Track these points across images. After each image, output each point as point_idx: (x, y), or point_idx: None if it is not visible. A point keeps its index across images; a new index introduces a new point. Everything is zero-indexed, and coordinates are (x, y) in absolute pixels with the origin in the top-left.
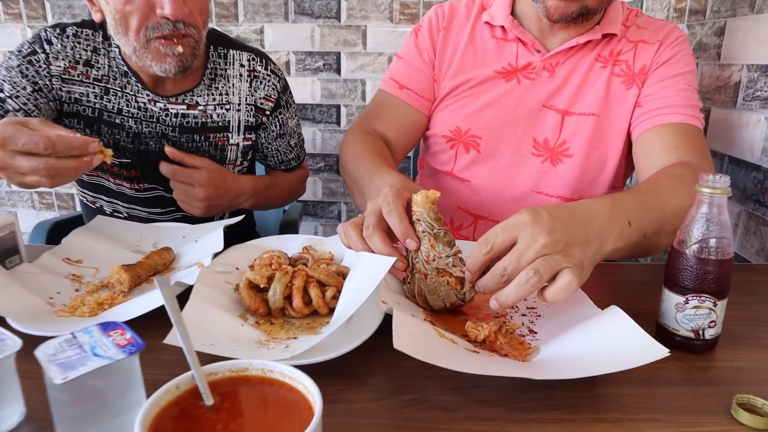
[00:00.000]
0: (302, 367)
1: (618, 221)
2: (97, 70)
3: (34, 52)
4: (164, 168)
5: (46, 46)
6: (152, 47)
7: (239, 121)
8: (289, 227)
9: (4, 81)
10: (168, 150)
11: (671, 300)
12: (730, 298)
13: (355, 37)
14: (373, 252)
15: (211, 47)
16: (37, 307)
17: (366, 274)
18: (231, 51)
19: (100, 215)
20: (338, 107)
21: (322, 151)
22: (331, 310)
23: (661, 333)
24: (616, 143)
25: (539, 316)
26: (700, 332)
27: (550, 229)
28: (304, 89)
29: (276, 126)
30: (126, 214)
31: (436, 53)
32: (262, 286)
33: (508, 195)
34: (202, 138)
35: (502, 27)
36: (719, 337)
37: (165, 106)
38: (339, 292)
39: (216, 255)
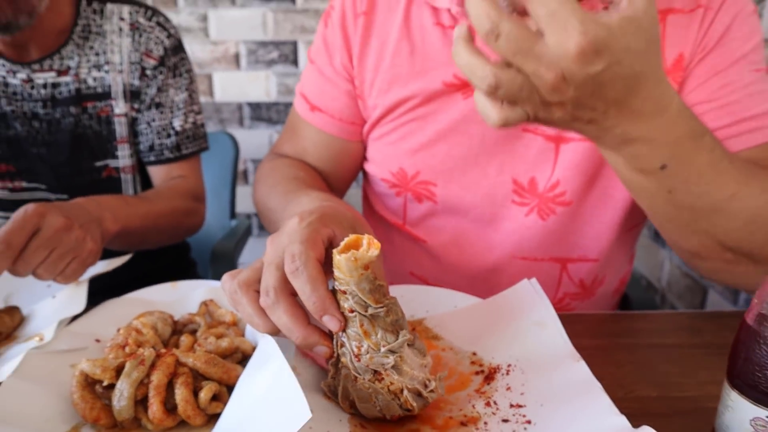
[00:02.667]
0: None
1: (671, 109)
2: None
3: None
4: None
5: None
6: None
7: (122, 84)
8: (225, 254)
9: None
10: None
11: (743, 411)
12: None
13: (314, 23)
14: (274, 330)
15: (84, 2)
16: None
17: (274, 407)
18: (108, 4)
19: None
20: None
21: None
22: (212, 417)
23: None
24: None
25: (528, 423)
26: None
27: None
28: (257, 85)
29: (153, 89)
30: None
31: (352, 56)
32: (106, 382)
33: (479, 262)
34: (79, 109)
35: (449, 11)
36: None
37: (28, 76)
38: (228, 386)
39: (74, 318)
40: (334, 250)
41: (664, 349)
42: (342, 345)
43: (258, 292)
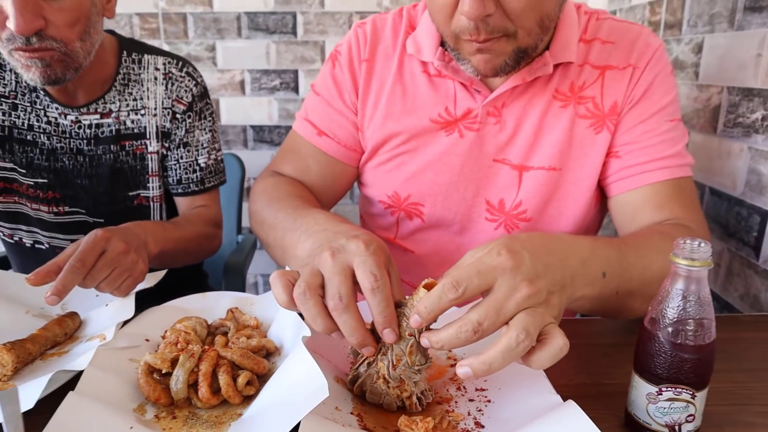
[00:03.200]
0: None
1: (592, 268)
2: (3, 87)
3: None
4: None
5: None
6: (15, 57)
7: (156, 126)
8: (236, 267)
9: None
10: (32, 280)
11: (642, 389)
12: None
13: (313, 54)
14: (336, 328)
15: (125, 53)
16: None
17: (299, 387)
18: (146, 56)
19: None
20: None
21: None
22: (247, 398)
23: (631, 424)
24: (583, 201)
25: (489, 401)
26: (676, 428)
27: (533, 277)
28: (261, 110)
29: (182, 131)
30: (47, 245)
31: (358, 94)
32: (164, 371)
33: None
34: (118, 147)
35: (432, 63)
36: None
37: (77, 118)
38: (258, 375)
39: (126, 322)
40: (421, 286)
41: (603, 347)
42: (383, 353)
43: (321, 296)
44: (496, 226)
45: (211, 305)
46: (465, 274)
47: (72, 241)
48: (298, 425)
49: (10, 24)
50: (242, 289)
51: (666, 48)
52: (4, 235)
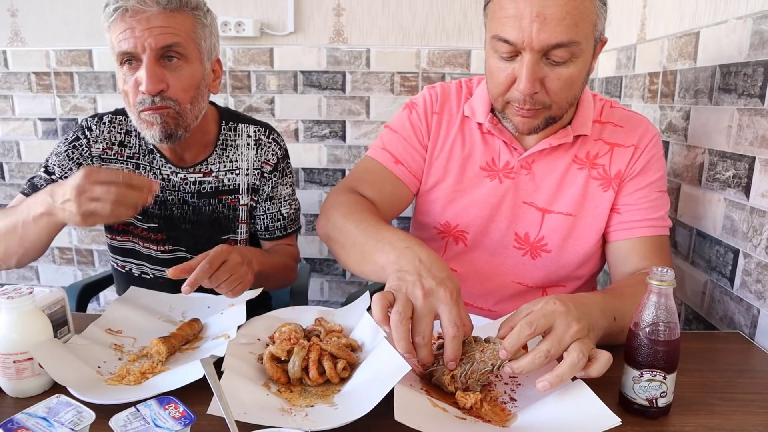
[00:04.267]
0: None
1: (607, 315)
2: (129, 149)
3: (78, 138)
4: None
5: (87, 133)
6: (142, 118)
7: (247, 183)
8: (300, 291)
9: (54, 165)
10: (173, 273)
11: (629, 373)
12: (687, 366)
13: (359, 107)
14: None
15: (223, 122)
16: (89, 376)
17: (383, 369)
18: (240, 125)
19: (134, 286)
20: (343, 171)
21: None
22: (342, 380)
23: (623, 401)
24: (593, 240)
25: (519, 384)
26: (654, 401)
27: (579, 318)
28: (312, 155)
29: (268, 188)
30: (152, 275)
31: (429, 137)
32: (282, 358)
33: (490, 284)
34: (216, 200)
35: (483, 124)
36: (672, 405)
37: (185, 175)
38: (349, 364)
39: (239, 327)
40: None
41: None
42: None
43: (409, 325)
44: (522, 253)
45: (299, 315)
46: (534, 318)
47: None
48: (384, 397)
49: (142, 87)
50: (306, 302)
51: (662, 113)
52: (117, 265)
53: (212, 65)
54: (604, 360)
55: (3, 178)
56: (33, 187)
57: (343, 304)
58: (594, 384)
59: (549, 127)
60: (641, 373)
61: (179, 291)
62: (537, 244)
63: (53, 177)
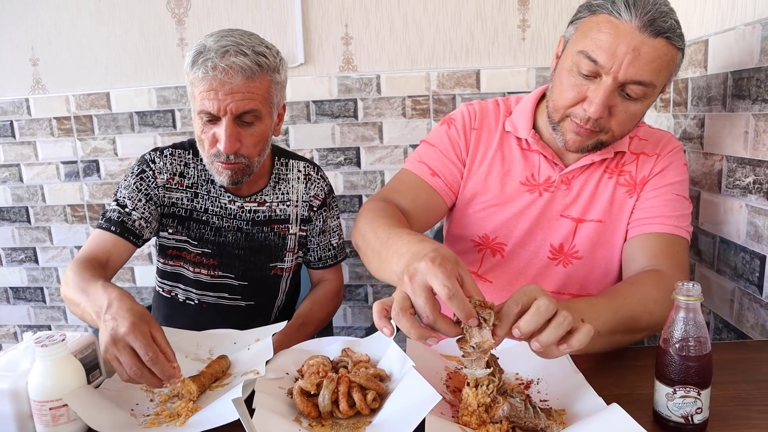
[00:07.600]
0: None
1: (596, 309)
2: (188, 179)
3: (143, 171)
4: None
5: (152, 165)
6: (215, 164)
7: (297, 214)
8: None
9: (125, 198)
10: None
11: (662, 390)
12: (721, 379)
13: (372, 133)
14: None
15: (276, 157)
16: (123, 420)
17: (412, 399)
18: (291, 160)
19: (174, 313)
20: (360, 197)
21: (346, 237)
22: (372, 411)
23: (657, 419)
24: (618, 245)
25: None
26: (690, 418)
27: (564, 308)
28: None
29: (320, 222)
30: (197, 301)
31: (468, 152)
32: (312, 392)
33: None
34: (268, 228)
35: (526, 140)
36: (708, 421)
37: (241, 204)
38: (378, 395)
39: (267, 361)
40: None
41: (631, 368)
42: (491, 374)
43: (412, 314)
44: (556, 263)
45: (325, 347)
46: (516, 297)
47: (218, 297)
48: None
49: (220, 146)
50: (332, 330)
51: (675, 121)
52: (163, 290)
53: (278, 110)
54: (585, 330)
55: (29, 221)
56: (109, 221)
57: (367, 330)
58: (626, 402)
59: (595, 150)
60: (674, 389)
61: (220, 318)
62: (569, 252)
63: (126, 209)
